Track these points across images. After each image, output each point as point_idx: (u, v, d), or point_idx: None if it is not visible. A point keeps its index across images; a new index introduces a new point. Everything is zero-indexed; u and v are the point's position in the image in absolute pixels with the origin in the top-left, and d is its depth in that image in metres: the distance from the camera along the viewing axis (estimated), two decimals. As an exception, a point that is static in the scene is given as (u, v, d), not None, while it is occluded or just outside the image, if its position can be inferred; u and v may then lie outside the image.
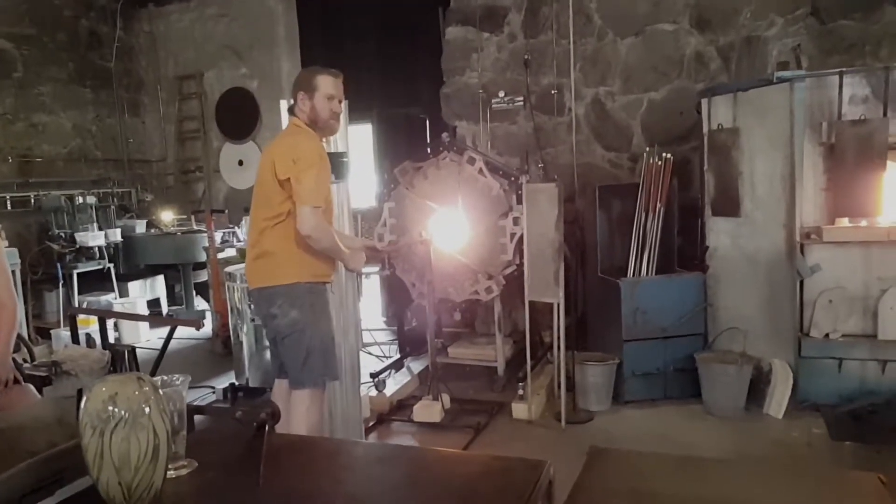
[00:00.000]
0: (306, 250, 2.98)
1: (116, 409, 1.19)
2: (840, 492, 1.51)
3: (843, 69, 3.99)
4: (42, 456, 1.28)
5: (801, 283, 4.06)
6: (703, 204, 4.70)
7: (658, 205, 4.56)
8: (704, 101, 4.58)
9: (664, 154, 4.57)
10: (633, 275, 4.57)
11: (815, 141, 4.02)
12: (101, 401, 1.20)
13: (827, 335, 4.04)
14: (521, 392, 4.27)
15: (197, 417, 1.68)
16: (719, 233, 4.55)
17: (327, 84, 3.03)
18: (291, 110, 3.10)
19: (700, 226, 4.73)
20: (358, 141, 6.40)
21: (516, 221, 4.45)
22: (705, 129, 4.59)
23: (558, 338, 4.17)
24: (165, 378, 1.44)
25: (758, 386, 4.21)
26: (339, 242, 3.06)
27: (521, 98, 5.79)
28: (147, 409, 1.22)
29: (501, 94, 5.85)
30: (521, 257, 4.34)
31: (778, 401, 4.08)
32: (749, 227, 4.36)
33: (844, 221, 4.01)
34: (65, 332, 5.65)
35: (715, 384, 4.18)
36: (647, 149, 4.76)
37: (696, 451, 3.62)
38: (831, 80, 4.00)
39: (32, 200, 6.70)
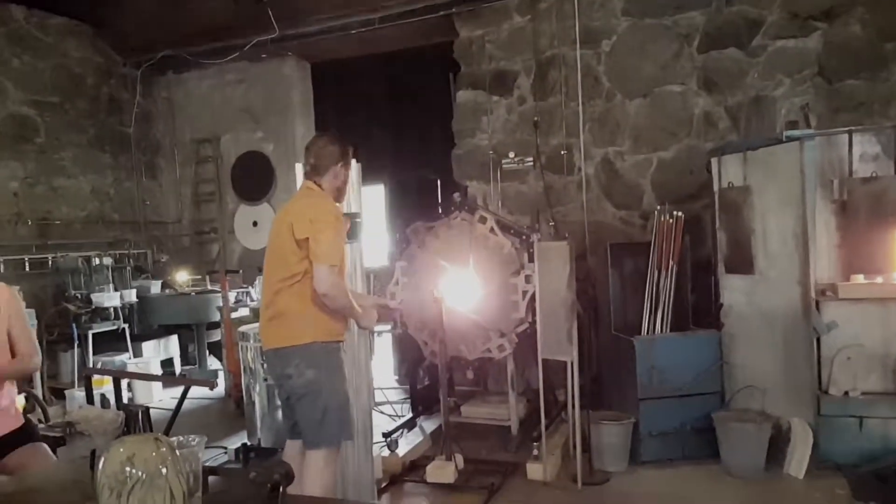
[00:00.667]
0: (321, 310, 3.01)
1: (134, 471, 1.20)
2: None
3: (853, 128, 4.05)
4: (59, 518, 1.28)
5: (818, 340, 4.02)
6: (716, 261, 4.70)
7: (671, 262, 4.56)
8: (714, 160, 4.63)
9: (675, 212, 4.60)
10: (647, 332, 4.54)
11: (827, 198, 4.04)
12: (119, 462, 1.21)
13: (846, 393, 3.96)
14: (535, 452, 4.19)
15: (211, 479, 1.68)
16: (733, 290, 4.53)
17: (352, 155, 3.23)
18: (308, 176, 3.18)
19: (714, 283, 4.72)
20: (370, 202, 6.50)
21: (528, 279, 4.46)
22: (716, 188, 4.63)
23: (573, 396, 4.12)
24: (182, 439, 1.44)
25: (777, 445, 4.11)
26: (354, 301, 3.08)
27: (531, 158, 5.90)
28: (164, 470, 1.22)
29: (511, 154, 5.96)
30: (534, 315, 4.33)
31: (798, 460, 3.99)
32: (763, 284, 4.34)
33: (860, 278, 3.99)
34: (79, 393, 5.66)
35: (734, 444, 4.10)
36: (658, 207, 4.80)
37: (717, 514, 3.53)
38: (841, 139, 4.05)
39: (50, 262, 6.80)
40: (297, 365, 2.99)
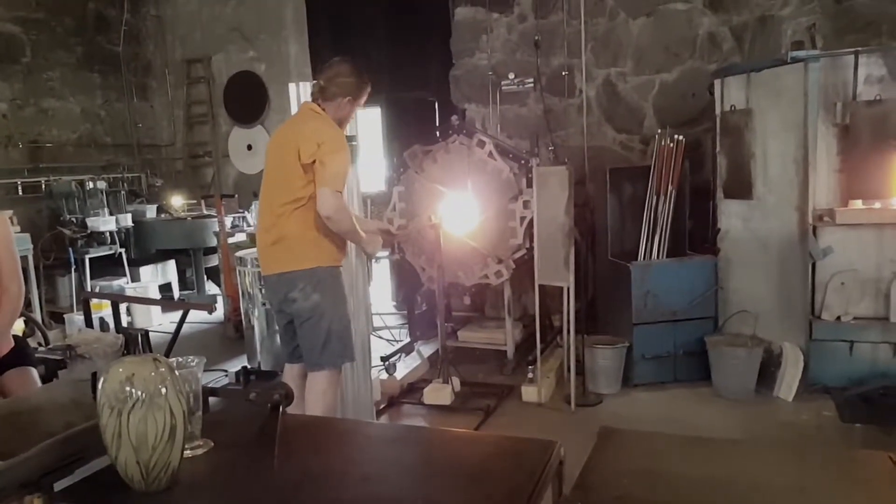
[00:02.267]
0: (325, 235, 3.01)
1: (133, 390, 1.21)
2: (851, 471, 1.52)
3: (859, 49, 3.94)
4: (61, 436, 1.30)
5: (814, 265, 4.03)
6: (714, 186, 4.67)
7: (669, 187, 4.53)
8: (717, 82, 4.53)
9: (676, 136, 4.54)
10: (644, 258, 4.55)
11: (830, 122, 3.98)
12: (119, 381, 1.22)
13: (839, 318, 4.01)
14: (530, 375, 4.28)
15: (211, 399, 1.70)
16: (731, 215, 4.52)
17: (366, 95, 3.14)
18: (314, 96, 3.10)
19: (712, 208, 4.71)
20: (367, 125, 6.38)
21: (526, 205, 4.44)
22: (718, 111, 4.55)
23: (568, 321, 4.18)
24: (181, 360, 1.45)
25: (768, 369, 4.20)
26: (356, 226, 3.07)
27: (532, 80, 5.76)
28: (163, 390, 1.23)
29: (511, 75, 5.81)
30: (531, 241, 4.33)
31: (788, 384, 4.08)
32: (761, 209, 4.33)
33: (858, 203, 3.98)
34: (78, 317, 5.70)
35: (725, 367, 4.18)
36: (659, 131, 4.72)
37: (705, 433, 3.62)
38: (846, 60, 3.94)
39: (43, 186, 6.73)
40: (302, 289, 2.99)
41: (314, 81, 3.16)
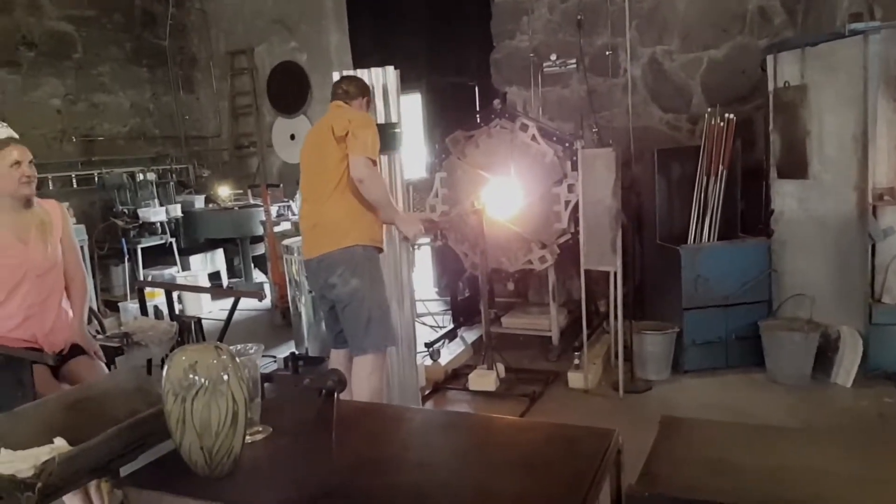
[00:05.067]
0: (363, 215, 3.10)
1: (197, 377, 1.23)
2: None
3: (922, 19, 3.76)
4: (127, 423, 1.33)
5: (874, 246, 3.90)
6: (767, 166, 4.52)
7: (720, 168, 4.41)
8: (770, 58, 4.38)
9: (726, 114, 4.40)
10: (694, 241, 4.45)
11: (891, 97, 3.82)
12: (182, 369, 1.24)
13: (900, 301, 3.87)
14: (576, 361, 4.23)
15: (265, 384, 1.72)
16: (785, 196, 4.39)
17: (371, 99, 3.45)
18: (340, 98, 3.30)
19: (765, 189, 4.56)
20: (408, 111, 6.38)
21: (571, 188, 4.38)
22: (770, 88, 4.40)
23: (615, 307, 4.12)
24: (240, 347, 1.47)
25: (825, 354, 4.07)
26: (390, 197, 3.22)
27: (574, 60, 5.65)
28: (226, 377, 1.25)
29: (553, 56, 5.71)
30: (576, 225, 4.27)
31: (847, 369, 3.95)
32: (817, 189, 4.18)
33: (921, 181, 3.82)
34: (132, 305, 5.87)
35: (780, 352, 4.07)
36: (709, 109, 4.59)
37: (760, 420, 3.55)
38: (909, 32, 3.77)
39: (96, 178, 6.92)
40: (341, 274, 3.07)
41: (335, 87, 3.38)
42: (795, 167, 4.27)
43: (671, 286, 4.41)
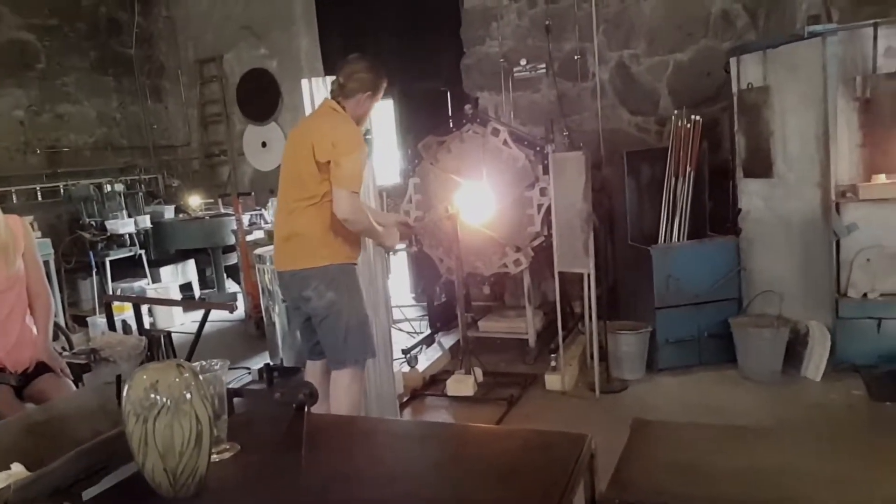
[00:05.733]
0: (337, 233, 2.98)
1: (158, 397, 1.20)
2: (889, 458, 1.48)
3: (878, 20, 3.84)
4: (88, 445, 1.30)
5: (838, 242, 3.97)
6: (734, 166, 4.60)
7: (688, 168, 4.46)
8: (733, 61, 4.46)
9: (693, 116, 4.46)
10: (664, 241, 4.50)
11: (850, 96, 3.90)
12: (143, 388, 1.21)
13: (865, 295, 3.95)
14: (553, 363, 4.25)
15: (235, 400, 1.70)
16: (752, 195, 4.45)
17: (383, 90, 3.11)
18: (334, 94, 3.07)
19: (732, 188, 4.63)
20: (380, 117, 6.36)
21: (543, 192, 4.40)
22: (734, 89, 4.47)
23: (590, 308, 4.14)
24: (204, 363, 1.45)
25: (794, 349, 4.14)
26: (374, 222, 3.05)
27: (544, 65, 5.69)
28: (188, 396, 1.22)
29: (523, 62, 5.75)
30: (549, 228, 4.30)
31: (816, 363, 4.02)
32: (782, 187, 4.26)
33: (882, 178, 3.89)
34: (100, 320, 5.76)
35: (750, 348, 4.13)
36: (675, 111, 4.65)
37: (733, 416, 3.59)
38: (865, 33, 3.85)
39: (62, 190, 6.79)
40: (315, 287, 2.98)
41: (333, 79, 3.13)
42: (760, 167, 4.34)
43: (643, 286, 4.45)
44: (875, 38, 3.81)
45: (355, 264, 3.15)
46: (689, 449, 1.50)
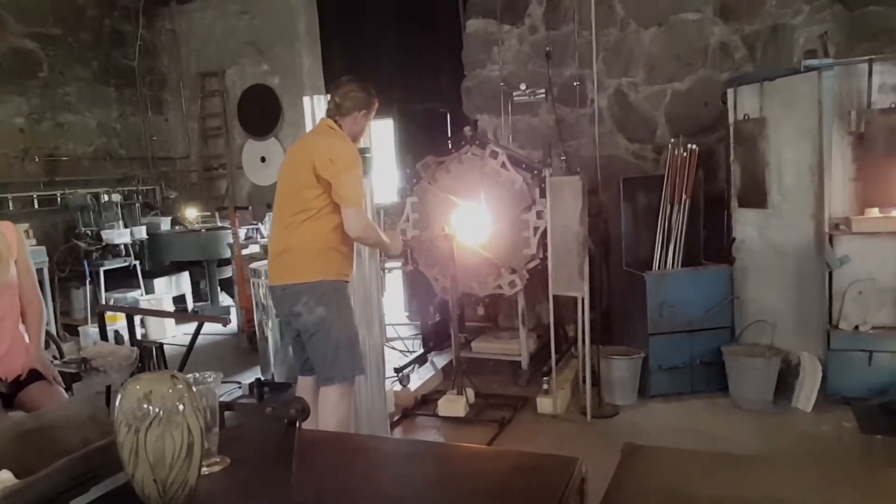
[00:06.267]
0: (332, 248, 3.02)
1: (151, 407, 1.20)
2: (880, 489, 1.48)
3: (873, 56, 3.91)
4: (78, 454, 1.29)
5: (830, 274, 4.00)
6: (729, 195, 4.64)
7: (683, 196, 4.50)
8: (730, 91, 4.52)
9: (689, 145, 4.51)
10: (659, 268, 4.52)
11: (844, 130, 3.95)
12: (136, 399, 1.21)
13: (857, 327, 3.97)
14: (545, 386, 4.25)
15: (226, 413, 1.69)
16: (746, 224, 4.49)
17: (376, 109, 3.22)
18: (331, 113, 3.14)
19: (726, 217, 4.67)
20: (379, 136, 6.40)
21: (540, 215, 4.42)
22: (731, 120, 4.53)
23: (583, 332, 4.15)
24: (198, 375, 1.44)
25: (786, 379, 4.15)
26: (380, 233, 3.16)
27: (543, 90, 5.75)
28: (181, 407, 1.22)
29: (523, 86, 5.81)
30: (545, 251, 4.32)
31: (807, 394, 4.03)
32: (777, 218, 4.29)
33: (874, 212, 3.94)
34: (93, 329, 5.73)
35: (742, 377, 4.14)
36: (672, 140, 4.70)
37: (724, 444, 3.59)
38: (860, 68, 3.92)
39: (59, 199, 6.79)
40: (305, 303, 2.99)
41: (329, 98, 3.21)
42: (755, 197, 4.38)
43: (637, 312, 4.46)
44: (870, 73, 3.87)
45: (347, 281, 3.17)
46: (679, 475, 1.50)
